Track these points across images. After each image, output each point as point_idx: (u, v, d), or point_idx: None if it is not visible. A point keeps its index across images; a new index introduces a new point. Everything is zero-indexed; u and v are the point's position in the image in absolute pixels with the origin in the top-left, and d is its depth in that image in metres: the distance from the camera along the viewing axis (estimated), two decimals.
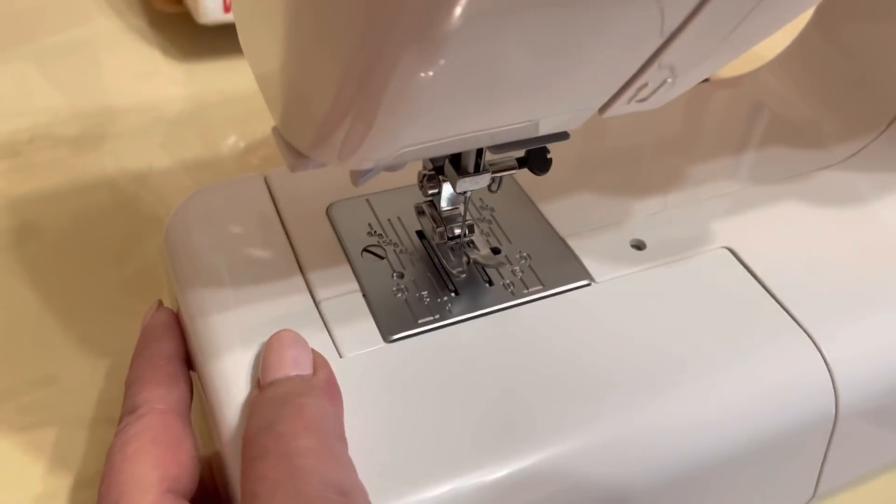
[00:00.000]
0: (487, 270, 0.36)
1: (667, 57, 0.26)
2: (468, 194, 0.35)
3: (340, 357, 0.33)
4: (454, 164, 0.33)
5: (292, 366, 0.30)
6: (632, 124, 0.47)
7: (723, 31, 0.26)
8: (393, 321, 0.34)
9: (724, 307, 0.36)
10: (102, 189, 0.59)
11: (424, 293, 0.35)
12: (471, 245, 0.36)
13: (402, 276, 0.36)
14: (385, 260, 0.36)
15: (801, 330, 0.35)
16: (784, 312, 0.36)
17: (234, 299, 0.34)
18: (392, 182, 0.39)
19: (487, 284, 0.36)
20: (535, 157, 0.34)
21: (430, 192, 0.35)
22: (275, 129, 0.29)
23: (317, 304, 0.34)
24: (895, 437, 0.41)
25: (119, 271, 0.52)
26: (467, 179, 0.33)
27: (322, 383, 0.30)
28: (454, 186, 0.33)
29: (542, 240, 0.38)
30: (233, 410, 0.31)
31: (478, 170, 0.33)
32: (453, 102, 0.25)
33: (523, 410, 0.31)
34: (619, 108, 0.30)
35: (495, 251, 0.37)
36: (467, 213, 0.36)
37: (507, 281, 0.36)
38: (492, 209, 0.39)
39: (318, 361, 0.31)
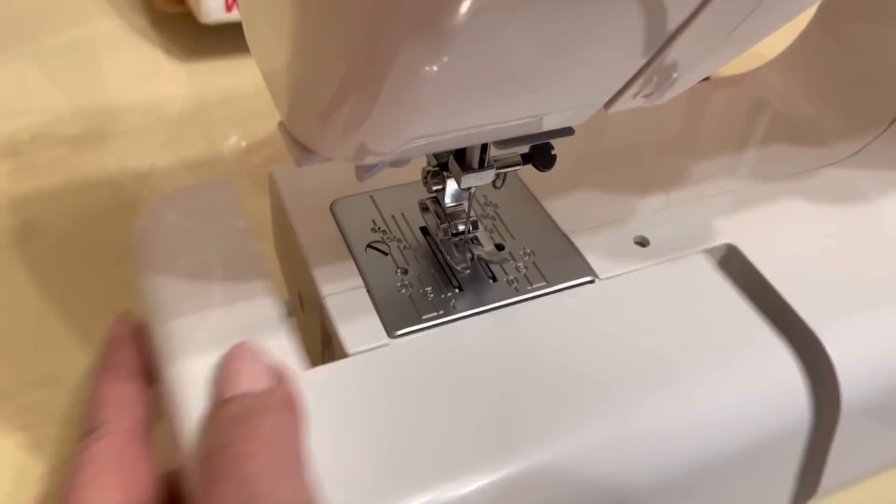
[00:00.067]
0: (491, 266, 0.37)
1: (672, 53, 0.27)
2: (472, 190, 0.36)
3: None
4: (458, 161, 0.34)
5: (248, 381, 0.29)
6: (635, 122, 0.48)
7: (727, 27, 0.27)
8: (397, 317, 0.34)
9: (706, 310, 0.37)
10: (104, 189, 0.59)
11: (428, 289, 0.36)
12: (475, 241, 0.37)
13: (406, 272, 0.37)
14: (389, 256, 0.37)
15: (778, 337, 0.36)
16: (759, 317, 0.37)
17: (194, 307, 0.34)
18: (396, 178, 0.40)
19: (491, 280, 0.37)
20: (540, 154, 0.35)
21: (435, 188, 0.36)
22: (281, 125, 0.30)
23: (322, 300, 0.35)
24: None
25: (120, 271, 0.53)
26: (471, 175, 0.34)
27: (280, 399, 0.29)
28: (458, 182, 0.34)
29: (546, 236, 0.39)
30: (193, 426, 0.30)
31: (482, 166, 0.34)
32: (457, 96, 0.25)
33: (518, 413, 0.32)
34: (624, 103, 0.30)
35: (499, 247, 0.38)
36: (471, 210, 0.37)
37: (511, 277, 0.37)
38: (496, 206, 0.40)
39: (279, 375, 0.30)
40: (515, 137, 0.32)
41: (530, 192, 0.41)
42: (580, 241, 0.39)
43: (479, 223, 0.38)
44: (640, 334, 0.35)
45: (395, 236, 0.38)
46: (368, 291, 0.35)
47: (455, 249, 0.37)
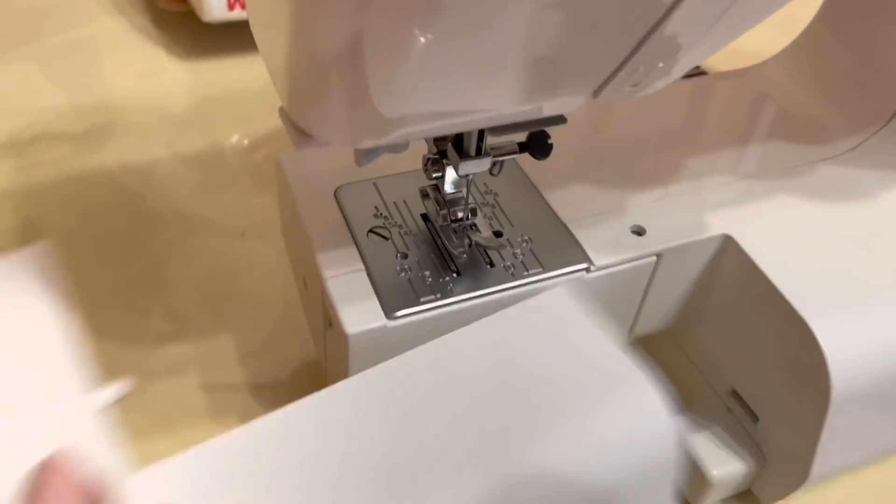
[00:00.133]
0: (489, 252, 0.39)
1: (656, 41, 0.29)
2: (471, 177, 0.38)
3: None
4: (457, 148, 0.36)
5: (56, 501, 0.26)
6: (637, 114, 0.50)
7: (710, 17, 0.29)
8: (396, 299, 0.36)
9: (569, 350, 0.35)
10: (106, 187, 0.61)
11: (427, 273, 0.38)
12: (473, 228, 0.39)
13: (405, 256, 0.38)
14: (390, 241, 0.39)
15: (640, 370, 0.35)
16: (621, 351, 0.35)
17: None
18: (398, 166, 0.42)
19: (488, 266, 0.38)
20: (536, 142, 0.37)
21: (434, 175, 0.38)
22: (281, 110, 0.32)
23: (323, 281, 0.37)
24: (887, 424, 0.43)
25: (123, 269, 0.55)
26: (469, 162, 0.36)
27: None
28: (456, 169, 0.36)
29: (544, 224, 0.41)
30: None
31: (479, 153, 0.36)
32: (443, 79, 0.27)
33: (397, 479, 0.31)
34: (612, 91, 0.32)
35: (497, 234, 0.40)
36: (470, 197, 0.39)
37: (508, 263, 0.39)
38: (495, 194, 0.42)
39: (92, 489, 0.27)
40: (508, 125, 0.34)
41: (531, 181, 0.43)
42: (577, 230, 0.41)
43: (477, 210, 0.40)
44: (502, 384, 0.34)
45: (396, 222, 0.40)
46: (369, 274, 0.37)
47: (454, 235, 0.39)
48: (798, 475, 0.41)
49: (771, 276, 0.40)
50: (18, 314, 0.35)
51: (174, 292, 0.54)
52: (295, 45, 0.27)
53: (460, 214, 0.39)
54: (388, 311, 0.36)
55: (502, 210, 0.41)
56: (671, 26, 0.29)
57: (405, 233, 0.40)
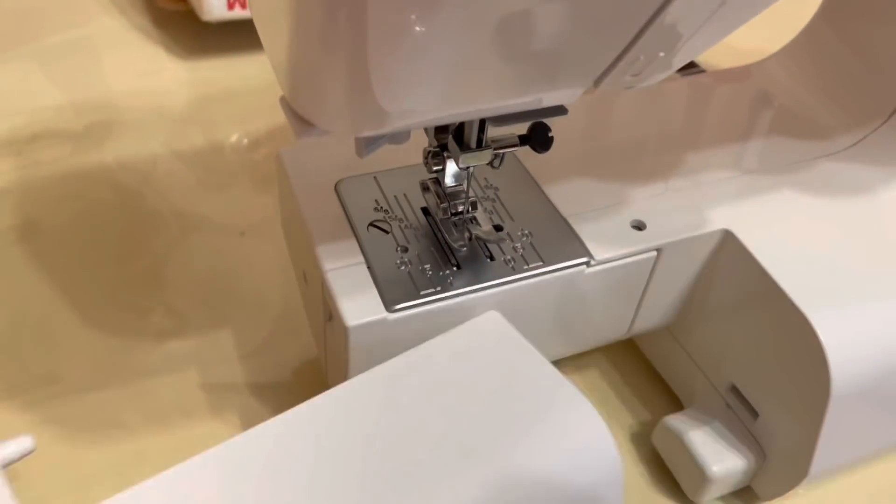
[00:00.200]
0: (489, 246, 0.39)
1: (656, 30, 0.30)
2: (471, 170, 0.38)
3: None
4: (457, 141, 0.37)
5: None
6: (638, 110, 0.51)
7: (710, 6, 0.30)
8: (395, 292, 0.37)
9: (506, 375, 0.37)
10: (105, 186, 0.62)
11: (427, 266, 0.38)
12: (473, 221, 0.40)
13: (406, 250, 0.39)
14: (390, 234, 0.40)
15: (579, 393, 0.36)
16: (558, 373, 0.37)
17: None
18: (399, 160, 0.43)
19: (489, 259, 0.39)
20: (537, 135, 0.37)
21: (435, 168, 0.38)
22: (282, 99, 0.32)
23: (324, 274, 0.37)
24: (887, 421, 0.44)
25: (122, 268, 0.55)
26: (470, 155, 0.36)
27: None
28: (457, 162, 0.37)
29: (544, 218, 0.41)
30: None
31: (480, 146, 0.37)
32: (441, 67, 0.28)
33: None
34: (612, 82, 0.33)
35: (498, 228, 0.41)
36: (470, 191, 0.39)
37: (508, 257, 0.39)
38: (496, 188, 0.43)
39: None
40: (508, 115, 0.34)
41: (531, 176, 0.44)
42: (578, 224, 0.41)
43: (478, 204, 0.40)
44: (441, 410, 0.35)
45: (396, 216, 0.41)
46: (369, 268, 0.38)
47: (454, 229, 0.39)
48: (798, 471, 0.41)
49: (771, 272, 0.40)
50: None
51: (173, 291, 0.54)
52: (296, 34, 0.28)
53: (461, 208, 0.39)
54: (389, 304, 0.36)
55: (503, 204, 0.42)
56: (671, 15, 0.29)
57: (405, 226, 0.40)
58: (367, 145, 0.34)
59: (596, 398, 0.50)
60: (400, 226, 0.40)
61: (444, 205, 0.39)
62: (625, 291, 0.42)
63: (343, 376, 0.37)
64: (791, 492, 0.43)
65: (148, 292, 0.54)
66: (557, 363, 0.38)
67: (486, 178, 0.43)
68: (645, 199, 0.43)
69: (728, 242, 0.42)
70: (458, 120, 0.35)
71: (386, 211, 0.41)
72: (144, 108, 0.70)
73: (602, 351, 0.52)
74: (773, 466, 0.43)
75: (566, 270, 0.39)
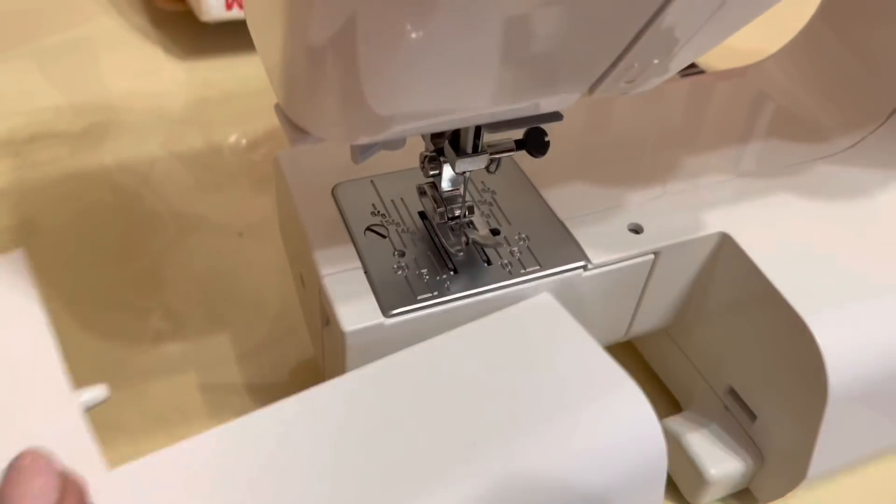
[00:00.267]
0: (486, 250, 0.40)
1: (653, 36, 0.30)
2: (468, 175, 0.39)
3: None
4: (453, 146, 0.37)
5: (31, 499, 0.28)
6: (635, 112, 0.51)
7: (708, 8, 0.30)
8: (392, 296, 0.37)
9: (556, 355, 0.37)
10: (103, 187, 0.62)
11: (424, 271, 0.38)
12: (470, 226, 0.40)
13: (403, 254, 0.39)
14: (387, 239, 0.40)
15: (628, 376, 0.36)
16: (609, 356, 0.37)
17: None
18: (396, 164, 0.43)
19: (486, 264, 0.39)
20: (533, 139, 0.37)
21: (432, 172, 0.38)
22: (277, 106, 0.32)
23: (320, 279, 0.37)
24: (884, 423, 0.44)
25: (120, 269, 0.56)
26: (466, 160, 0.37)
27: None
28: (453, 167, 0.37)
29: (542, 222, 0.42)
30: None
31: (476, 151, 0.37)
32: (437, 75, 0.28)
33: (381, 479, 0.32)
34: (607, 88, 0.33)
35: (494, 232, 0.41)
36: (467, 195, 0.40)
37: (505, 261, 0.39)
38: (493, 192, 0.43)
39: (67, 486, 0.29)
40: (504, 121, 0.34)
41: (528, 179, 0.44)
42: (575, 228, 0.41)
43: (475, 208, 0.40)
44: (493, 388, 0.35)
45: (393, 220, 0.41)
46: (366, 272, 0.38)
47: (451, 233, 0.39)
48: (796, 473, 0.41)
49: (768, 274, 0.40)
50: None
51: (172, 292, 0.55)
52: (290, 42, 0.28)
53: (457, 212, 0.40)
54: (385, 309, 0.37)
55: (500, 208, 0.42)
56: (666, 22, 0.29)
57: (402, 230, 0.40)
58: (362, 152, 0.34)
59: None
60: (397, 230, 0.40)
61: (441, 209, 0.39)
62: (622, 294, 0.43)
63: None
64: (789, 494, 0.43)
65: (146, 293, 0.55)
66: None
67: (482, 182, 0.43)
68: (642, 202, 0.43)
69: (725, 245, 0.42)
70: (453, 127, 0.35)
71: (383, 215, 0.41)
72: (142, 109, 0.70)
73: None
74: (771, 468, 0.43)
75: (563, 274, 0.39)
